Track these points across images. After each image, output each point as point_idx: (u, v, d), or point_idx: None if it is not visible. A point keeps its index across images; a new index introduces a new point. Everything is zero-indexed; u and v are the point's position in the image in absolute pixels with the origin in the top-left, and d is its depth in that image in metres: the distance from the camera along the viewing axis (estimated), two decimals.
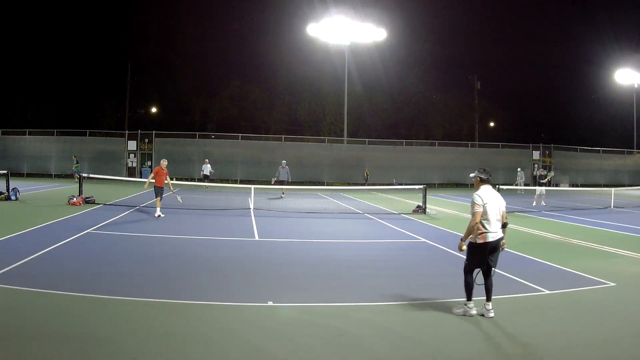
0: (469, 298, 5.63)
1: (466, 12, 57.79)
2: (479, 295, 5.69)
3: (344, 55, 35.42)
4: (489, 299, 5.66)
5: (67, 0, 46.64)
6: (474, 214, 5.57)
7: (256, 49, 49.84)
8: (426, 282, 7.30)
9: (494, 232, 5.60)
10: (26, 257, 7.64)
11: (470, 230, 5.61)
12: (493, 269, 5.70)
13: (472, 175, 5.89)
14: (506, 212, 5.82)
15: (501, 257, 9.25)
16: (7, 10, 42.80)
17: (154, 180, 13.85)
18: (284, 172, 21.76)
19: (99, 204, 16.05)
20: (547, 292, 6.68)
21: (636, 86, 43.05)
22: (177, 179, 26.56)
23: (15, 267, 7.07)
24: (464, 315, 5.56)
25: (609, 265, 8.53)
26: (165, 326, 5.02)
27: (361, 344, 4.75)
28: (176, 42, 48.83)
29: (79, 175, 18.22)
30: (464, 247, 5.71)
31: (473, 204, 5.61)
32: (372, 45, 36.99)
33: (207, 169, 27.20)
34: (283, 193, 22.07)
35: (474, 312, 5.56)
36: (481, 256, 5.63)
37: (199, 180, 27.31)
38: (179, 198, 15.12)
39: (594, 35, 58.37)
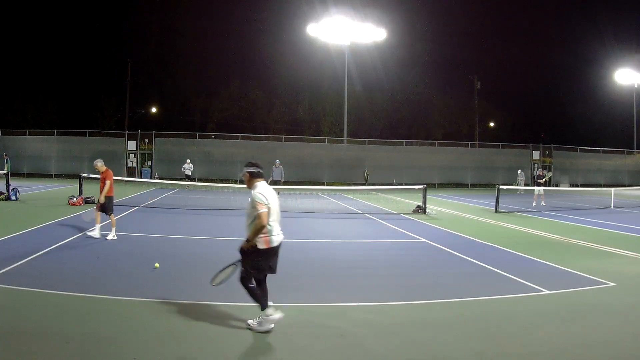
0: (263, 307, 4.93)
1: (466, 13, 57.78)
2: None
3: (344, 55, 35.44)
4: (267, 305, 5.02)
5: (67, 0, 46.67)
6: (259, 214, 4.83)
7: (256, 49, 49.85)
8: (426, 282, 7.30)
9: (277, 235, 5.04)
10: (26, 257, 7.64)
11: (257, 232, 4.88)
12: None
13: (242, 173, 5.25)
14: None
15: (501, 257, 9.27)
16: (7, 11, 42.84)
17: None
18: (277, 171, 21.74)
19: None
20: (547, 292, 6.67)
21: (636, 86, 43.08)
22: (177, 179, 26.56)
23: (15, 267, 7.06)
24: (265, 326, 4.89)
25: (609, 265, 8.52)
26: (165, 326, 5.02)
27: (361, 344, 4.75)
28: (176, 42, 48.84)
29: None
30: (250, 247, 4.96)
31: (256, 203, 4.88)
32: (372, 45, 36.99)
33: (189, 168, 27.21)
34: (278, 193, 22.01)
35: (273, 319, 4.90)
36: (264, 263, 4.99)
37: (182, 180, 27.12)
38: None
39: (594, 35, 58.44)
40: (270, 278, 7.21)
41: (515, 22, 60.44)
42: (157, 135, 33.86)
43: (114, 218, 9.99)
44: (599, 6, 59.46)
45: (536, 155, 38.17)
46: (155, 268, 5.85)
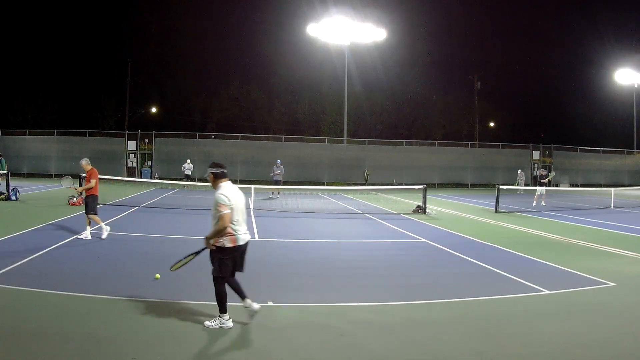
0: (223, 310, 4.99)
1: (466, 12, 57.84)
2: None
3: (344, 55, 35.43)
4: (244, 296, 5.12)
5: (67, 0, 46.68)
6: (221, 216, 4.86)
7: (256, 49, 49.92)
8: (426, 282, 7.30)
9: (244, 234, 5.08)
10: (26, 257, 7.64)
11: (218, 233, 4.92)
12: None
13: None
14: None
15: (501, 257, 9.26)
16: (7, 11, 42.85)
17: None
18: (279, 171, 21.79)
19: (98, 204, 16.00)
20: (547, 292, 6.67)
21: (636, 86, 43.06)
22: (177, 179, 26.55)
23: (15, 267, 7.07)
24: (221, 328, 4.94)
25: (609, 265, 8.53)
26: (165, 326, 5.02)
27: (361, 344, 4.75)
28: (176, 42, 48.87)
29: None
30: (212, 245, 5.01)
31: (218, 204, 4.91)
32: (372, 45, 37.00)
33: (189, 168, 27.24)
34: (279, 193, 22.04)
35: (230, 323, 4.98)
36: (233, 261, 5.04)
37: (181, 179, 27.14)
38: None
39: (594, 35, 58.43)
40: (271, 278, 7.23)
41: (515, 22, 60.51)
42: (157, 135, 33.86)
43: (96, 217, 9.87)
44: (599, 6, 59.53)
45: (536, 155, 38.17)
46: (156, 279, 5.88)
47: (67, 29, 45.23)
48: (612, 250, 10.10)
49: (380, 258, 9.15)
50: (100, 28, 46.95)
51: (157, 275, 5.93)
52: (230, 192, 5.02)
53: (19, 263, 7.28)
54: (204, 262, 5.35)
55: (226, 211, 4.87)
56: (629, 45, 47.59)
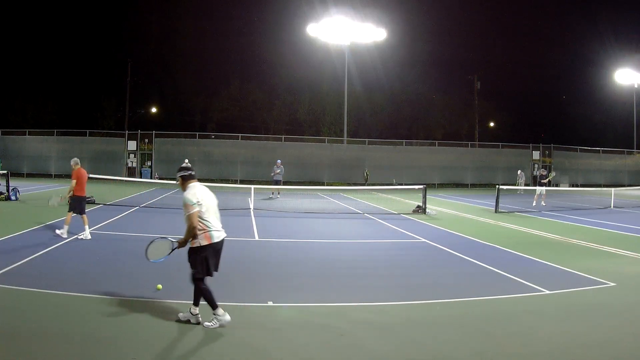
0: (214, 306, 4.98)
1: (466, 12, 57.84)
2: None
3: (344, 55, 35.45)
4: (198, 303, 5.13)
5: (67, 0, 46.69)
6: (189, 216, 4.94)
7: (256, 49, 49.92)
8: (426, 282, 7.30)
9: (217, 231, 5.12)
10: (26, 257, 7.65)
11: (189, 233, 4.99)
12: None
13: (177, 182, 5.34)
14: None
15: (501, 257, 9.27)
16: (8, 11, 42.85)
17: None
18: (279, 171, 21.80)
19: (99, 204, 16.05)
20: (547, 292, 6.67)
21: (636, 86, 43.07)
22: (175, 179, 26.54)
23: (15, 267, 7.07)
24: (221, 326, 4.95)
25: (609, 265, 8.53)
26: (165, 326, 5.02)
27: (361, 344, 4.75)
28: (176, 42, 48.90)
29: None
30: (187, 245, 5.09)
31: (186, 205, 4.97)
32: (372, 45, 37.01)
33: None
34: (279, 193, 22.04)
35: (227, 317, 4.97)
36: (205, 259, 5.03)
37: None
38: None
39: (594, 35, 58.37)
40: (271, 278, 7.24)
41: (515, 22, 60.47)
42: (157, 136, 33.86)
43: (70, 217, 9.84)
44: (599, 6, 59.51)
45: (536, 155, 38.17)
46: (158, 289, 5.91)
47: (67, 29, 45.31)
48: (612, 250, 10.10)
49: (380, 258, 9.15)
50: (100, 28, 47.05)
51: (159, 286, 5.97)
52: (197, 192, 5.10)
53: (19, 263, 7.28)
54: None
55: (192, 211, 4.95)
56: (629, 45, 47.65)
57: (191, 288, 5.15)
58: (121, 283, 6.60)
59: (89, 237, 9.63)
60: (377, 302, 6.09)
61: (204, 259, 5.03)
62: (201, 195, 5.09)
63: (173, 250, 5.30)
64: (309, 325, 5.23)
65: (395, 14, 43.05)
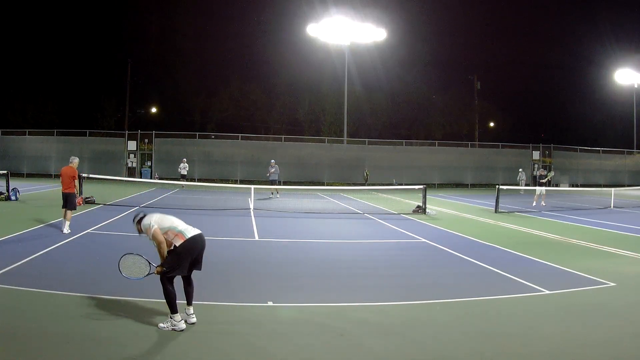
0: (174, 310, 4.93)
1: (466, 12, 57.82)
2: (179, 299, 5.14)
3: (344, 55, 35.43)
4: (191, 303, 5.16)
5: (67, 0, 46.70)
6: (153, 235, 5.04)
7: (256, 49, 49.90)
8: (426, 282, 7.30)
9: (187, 230, 5.16)
10: (26, 257, 7.64)
11: (161, 250, 5.05)
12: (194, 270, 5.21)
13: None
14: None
15: (501, 257, 9.27)
16: (7, 11, 42.85)
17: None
18: (275, 171, 21.80)
19: (99, 204, 16.05)
20: (547, 292, 6.67)
21: (636, 86, 43.07)
22: (176, 179, 26.56)
23: (15, 267, 7.07)
24: (173, 330, 4.87)
25: (609, 265, 8.53)
26: None
27: (361, 344, 4.75)
28: (176, 42, 48.86)
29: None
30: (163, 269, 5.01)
31: (147, 230, 5.09)
32: (372, 45, 36.99)
33: (184, 167, 27.25)
34: (278, 193, 22.03)
35: (183, 325, 4.91)
36: (188, 257, 5.07)
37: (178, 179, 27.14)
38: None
39: (594, 35, 58.42)
40: (271, 278, 7.23)
41: (515, 22, 60.50)
42: (157, 136, 33.84)
43: (69, 214, 10.40)
44: (599, 6, 59.53)
45: (536, 155, 38.17)
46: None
47: (67, 29, 45.30)
48: (612, 250, 10.10)
49: (380, 258, 9.15)
50: (100, 28, 47.04)
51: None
52: (150, 216, 5.17)
53: (19, 263, 7.28)
54: (204, 262, 5.35)
55: (153, 229, 5.02)
56: (629, 45, 47.62)
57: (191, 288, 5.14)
58: (121, 283, 6.55)
59: (69, 230, 10.12)
60: (377, 302, 6.09)
61: (177, 256, 5.01)
62: (154, 217, 5.16)
63: (149, 274, 5.17)
64: (309, 325, 5.23)
65: (395, 14, 43.08)
